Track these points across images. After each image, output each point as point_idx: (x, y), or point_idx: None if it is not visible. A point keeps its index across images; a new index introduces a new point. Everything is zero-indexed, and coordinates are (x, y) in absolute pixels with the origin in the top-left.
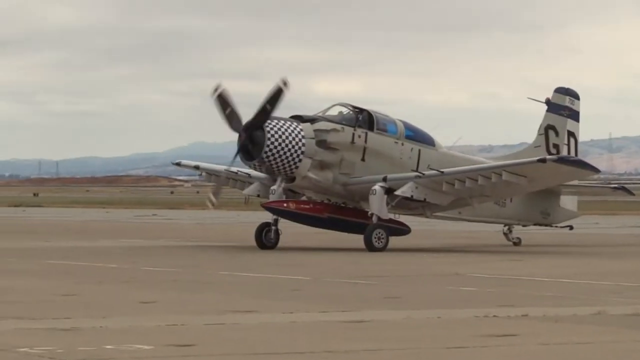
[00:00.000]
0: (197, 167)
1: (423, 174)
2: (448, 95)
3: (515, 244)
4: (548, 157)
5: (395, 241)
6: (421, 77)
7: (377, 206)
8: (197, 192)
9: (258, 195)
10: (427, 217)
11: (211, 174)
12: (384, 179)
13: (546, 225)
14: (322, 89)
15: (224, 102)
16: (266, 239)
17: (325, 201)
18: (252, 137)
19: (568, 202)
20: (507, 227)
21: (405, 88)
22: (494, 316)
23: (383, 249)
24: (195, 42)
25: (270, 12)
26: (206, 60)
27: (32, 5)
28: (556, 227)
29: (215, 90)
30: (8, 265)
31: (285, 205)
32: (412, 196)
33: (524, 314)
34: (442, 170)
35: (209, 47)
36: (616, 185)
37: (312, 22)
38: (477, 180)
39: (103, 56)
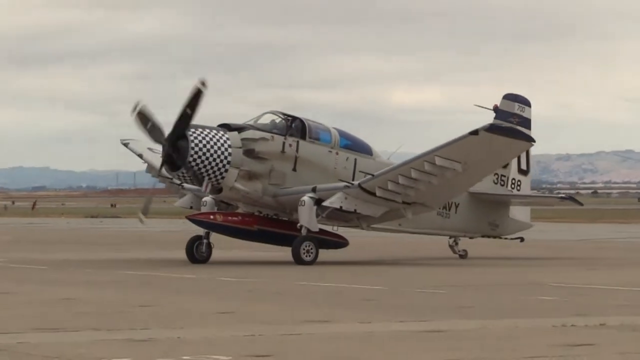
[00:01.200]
0: (140, 156)
1: (352, 184)
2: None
3: (461, 256)
4: (480, 127)
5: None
6: (499, 85)
7: (307, 218)
8: None
9: (191, 207)
10: (363, 229)
11: (152, 166)
12: (314, 190)
13: (495, 237)
14: (400, 98)
15: (143, 117)
16: (197, 252)
17: (257, 213)
18: (175, 147)
19: (520, 212)
20: (452, 240)
21: (484, 96)
22: (572, 325)
23: (312, 262)
24: (274, 53)
25: (348, 23)
26: (285, 70)
27: (112, 17)
28: (505, 239)
29: (135, 107)
30: (86, 276)
31: (212, 217)
32: (341, 207)
33: (602, 323)
34: (372, 173)
35: (287, 57)
36: (564, 195)
37: (391, 32)
38: (410, 177)
39: (182, 67)
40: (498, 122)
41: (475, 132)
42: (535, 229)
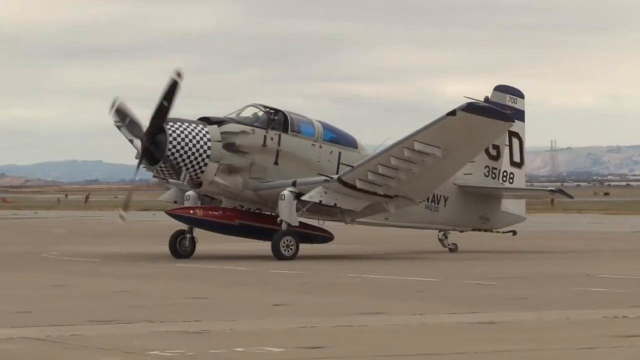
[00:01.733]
0: (131, 141)
1: (331, 178)
2: (574, 96)
3: (451, 250)
4: (457, 107)
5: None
6: (550, 78)
7: (287, 212)
8: None
9: (175, 202)
10: (346, 223)
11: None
12: (294, 184)
13: (486, 230)
14: (452, 90)
15: (121, 113)
16: (180, 246)
17: (239, 207)
18: (153, 141)
19: (513, 205)
20: (442, 233)
21: (537, 88)
22: (624, 317)
23: (292, 257)
24: (327, 46)
25: (401, 15)
26: (337, 63)
27: (169, 10)
28: (497, 232)
29: (112, 105)
30: (139, 269)
31: (191, 212)
32: (320, 201)
33: None
34: (352, 165)
35: (341, 50)
36: (553, 188)
37: (442, 24)
38: (390, 166)
39: (238, 60)
40: (476, 101)
41: (452, 113)
42: (587, 220)
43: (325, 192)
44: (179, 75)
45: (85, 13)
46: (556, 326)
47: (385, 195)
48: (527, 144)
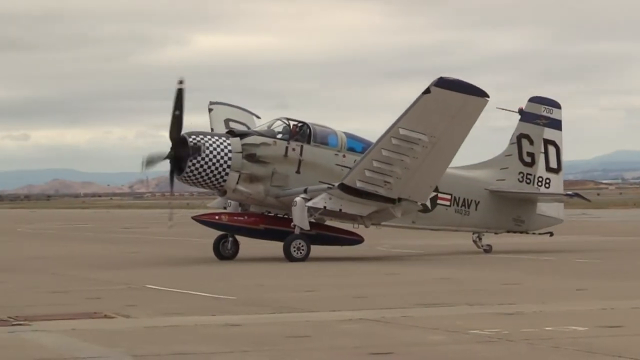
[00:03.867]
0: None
1: (333, 185)
2: None
3: (486, 251)
4: (430, 84)
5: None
6: None
7: (299, 217)
8: (620, 193)
9: (225, 208)
10: (366, 227)
11: None
12: (305, 191)
13: (521, 232)
14: None
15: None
16: (223, 249)
17: (265, 213)
18: (178, 154)
19: (550, 208)
20: (476, 235)
21: None
22: None
23: (303, 259)
24: (621, 63)
25: None
26: (631, 78)
27: (475, 36)
28: (533, 234)
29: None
30: (456, 259)
31: (217, 217)
32: (325, 207)
33: None
34: (349, 166)
35: (632, 67)
36: (570, 193)
37: None
38: (382, 160)
39: (539, 77)
40: (447, 76)
41: (427, 91)
42: None
43: (330, 199)
44: (181, 82)
45: (418, 39)
46: None
47: (389, 200)
48: None
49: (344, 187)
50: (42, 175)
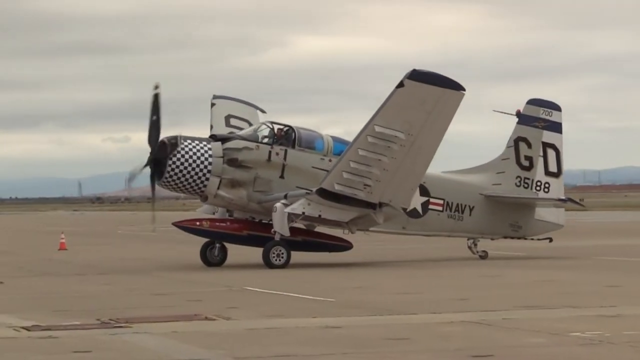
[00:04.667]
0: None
1: (311, 190)
2: None
3: (481, 257)
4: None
5: None
6: None
7: (279, 223)
8: None
9: (214, 213)
10: (352, 233)
11: None
12: (285, 196)
13: (518, 238)
14: None
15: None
16: (211, 255)
17: (249, 218)
18: (158, 159)
19: (549, 213)
20: (471, 241)
21: None
22: None
23: (283, 265)
24: None
25: None
26: None
27: (574, 37)
28: (532, 239)
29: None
30: (559, 261)
31: (198, 223)
32: (303, 212)
33: None
34: (327, 169)
35: None
36: (564, 198)
37: None
38: (360, 162)
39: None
40: (421, 68)
41: (400, 84)
42: None
43: (309, 204)
44: (157, 87)
45: (508, 41)
46: None
47: (369, 205)
48: None
49: (322, 192)
50: (143, 177)
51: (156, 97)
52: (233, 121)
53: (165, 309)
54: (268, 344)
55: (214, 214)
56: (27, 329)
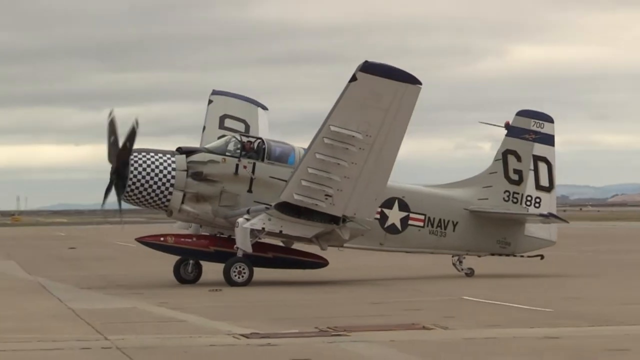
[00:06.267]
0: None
1: (270, 205)
2: None
3: (467, 274)
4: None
5: None
6: None
7: (241, 239)
8: None
9: (188, 229)
10: (323, 249)
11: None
12: (248, 211)
13: (507, 255)
14: None
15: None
16: (184, 272)
17: (218, 234)
18: (118, 173)
19: (540, 229)
20: (456, 258)
21: None
22: None
23: (245, 283)
24: None
25: None
26: None
27: None
28: (522, 256)
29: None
30: None
31: (162, 239)
32: (263, 228)
33: None
34: (285, 179)
35: None
36: (545, 213)
37: None
38: (317, 167)
39: None
40: (373, 60)
41: (353, 78)
42: None
43: (269, 219)
44: (110, 114)
45: None
46: None
47: (333, 219)
48: None
49: (282, 207)
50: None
51: (112, 123)
52: (228, 122)
53: (383, 318)
54: (484, 354)
55: (188, 229)
56: (245, 336)
